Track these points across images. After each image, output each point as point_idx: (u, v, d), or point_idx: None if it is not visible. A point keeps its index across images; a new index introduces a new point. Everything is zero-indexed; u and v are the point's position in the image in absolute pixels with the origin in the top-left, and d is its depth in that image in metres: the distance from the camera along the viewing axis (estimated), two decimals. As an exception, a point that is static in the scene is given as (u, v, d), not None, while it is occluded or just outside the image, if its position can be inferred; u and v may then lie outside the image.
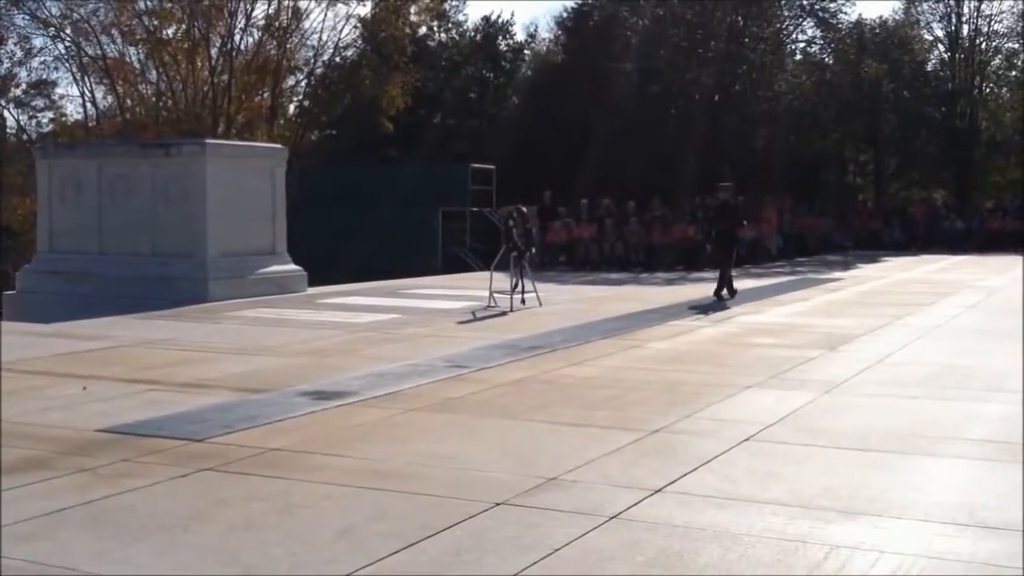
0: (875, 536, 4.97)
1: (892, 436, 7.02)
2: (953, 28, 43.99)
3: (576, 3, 44.72)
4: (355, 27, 42.76)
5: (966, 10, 43.56)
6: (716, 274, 17.47)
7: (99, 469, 6.22)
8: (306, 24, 42.23)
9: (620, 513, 5.30)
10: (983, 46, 44.12)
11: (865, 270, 24.77)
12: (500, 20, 48.64)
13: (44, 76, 42.50)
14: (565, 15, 45.69)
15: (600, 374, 9.64)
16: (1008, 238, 30.56)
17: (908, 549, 4.81)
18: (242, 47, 41.64)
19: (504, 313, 14.88)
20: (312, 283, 18.70)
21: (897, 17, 45.22)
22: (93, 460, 6.40)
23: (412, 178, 32.43)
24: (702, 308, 15.57)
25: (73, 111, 44.97)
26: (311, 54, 43.45)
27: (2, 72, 41.80)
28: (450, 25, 48.59)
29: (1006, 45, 43.90)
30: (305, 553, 4.77)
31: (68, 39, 40.99)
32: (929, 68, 45.29)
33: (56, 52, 41.67)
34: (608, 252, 26.42)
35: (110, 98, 43.04)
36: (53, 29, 40.63)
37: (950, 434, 7.13)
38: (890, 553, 4.74)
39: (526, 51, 50.36)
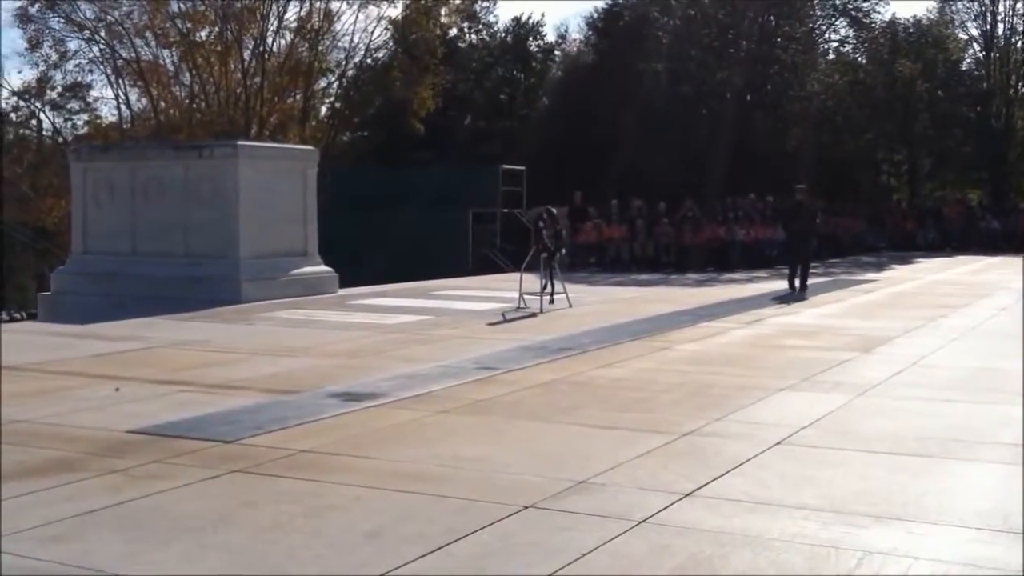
0: (909, 542, 4.91)
1: (926, 440, 6.94)
2: (988, 27, 43.59)
3: (607, 3, 44.65)
4: (386, 29, 42.92)
5: (1001, 9, 43.18)
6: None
7: (130, 470, 6.24)
8: (338, 26, 42.45)
9: (650, 517, 5.26)
10: (1019, 45, 43.66)
11: (899, 271, 24.56)
12: (531, 21, 48.67)
13: (79, 79, 42.83)
14: (596, 16, 45.65)
15: (630, 376, 9.59)
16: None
17: (942, 555, 4.74)
18: (274, 49, 41.91)
19: (534, 314, 14.86)
20: (343, 284, 18.75)
21: (931, 16, 44.86)
22: (124, 461, 6.43)
23: (443, 179, 32.45)
24: (735, 308, 15.49)
25: (108, 113, 45.34)
26: (343, 56, 43.65)
27: (38, 75, 42.29)
28: (480, 26, 48.62)
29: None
30: (333, 555, 4.76)
31: (102, 42, 41.35)
32: (964, 67, 44.87)
33: (91, 55, 42.06)
34: (639, 253, 26.33)
35: (144, 100, 43.40)
36: (88, 32, 41.02)
37: (985, 438, 7.03)
38: (924, 559, 4.68)
39: (556, 52, 50.32)
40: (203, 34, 41.33)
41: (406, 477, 6.04)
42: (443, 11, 44.14)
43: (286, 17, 41.14)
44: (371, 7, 41.71)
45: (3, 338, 11.79)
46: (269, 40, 41.33)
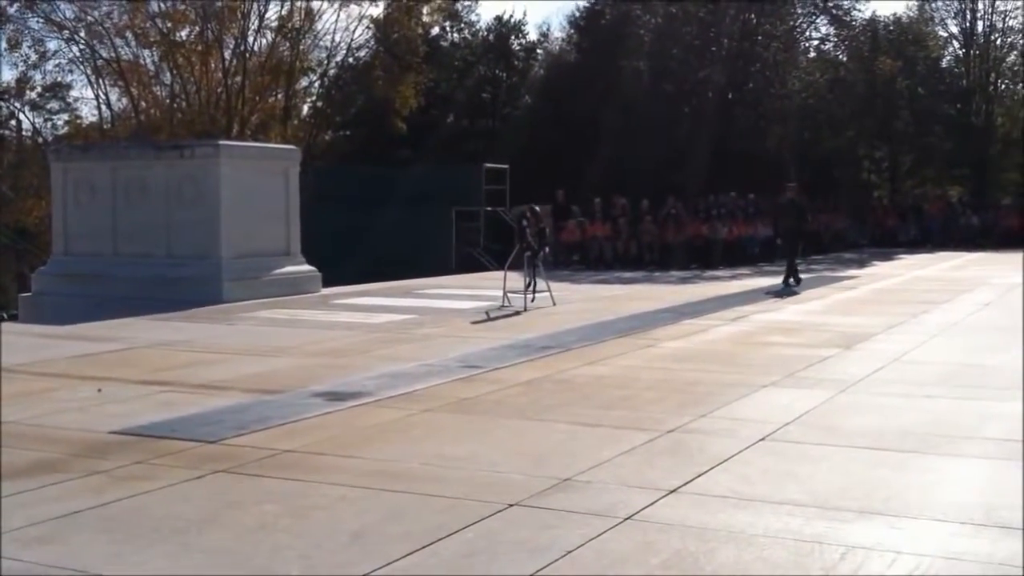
0: (892, 536, 4.93)
1: (909, 435, 6.98)
2: (968, 24, 43.80)
3: (588, 2, 44.61)
4: (368, 28, 42.82)
5: (981, 6, 43.35)
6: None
7: (113, 471, 6.22)
8: (319, 25, 42.36)
9: (634, 514, 5.27)
10: (998, 42, 43.87)
11: (880, 268, 24.67)
12: (512, 19, 48.62)
13: (59, 79, 42.59)
14: (577, 14, 45.57)
15: (614, 374, 9.61)
16: (1024, 235, 30.34)
17: (925, 549, 4.77)
18: (255, 48, 41.75)
19: (518, 313, 14.86)
20: (326, 283, 18.72)
21: (911, 14, 45.06)
22: (107, 462, 6.41)
23: (425, 178, 32.40)
24: (718, 305, 15.52)
25: (88, 113, 45.12)
26: (324, 55, 43.56)
27: (17, 75, 42.02)
28: (462, 25, 48.54)
29: (1021, 41, 43.62)
30: (318, 555, 4.76)
31: (82, 42, 41.12)
32: (944, 65, 45.06)
33: (71, 55, 41.83)
34: (622, 251, 26.36)
35: (124, 100, 43.18)
36: (67, 32, 40.78)
37: (967, 433, 7.07)
38: (907, 554, 4.71)
39: (539, 50, 50.25)
40: (183, 33, 41.19)
41: (391, 476, 6.03)
42: (425, 10, 44.07)
43: (267, 16, 41.05)
44: (352, 6, 41.67)
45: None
46: (250, 39, 41.21)
